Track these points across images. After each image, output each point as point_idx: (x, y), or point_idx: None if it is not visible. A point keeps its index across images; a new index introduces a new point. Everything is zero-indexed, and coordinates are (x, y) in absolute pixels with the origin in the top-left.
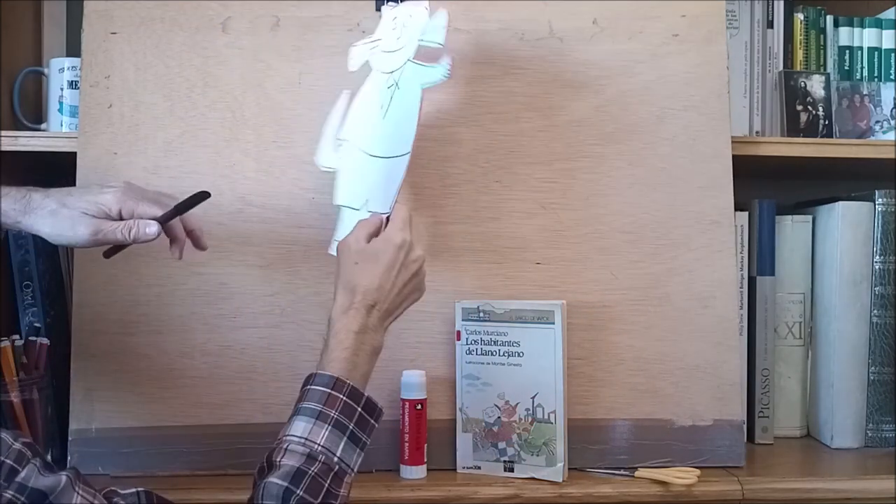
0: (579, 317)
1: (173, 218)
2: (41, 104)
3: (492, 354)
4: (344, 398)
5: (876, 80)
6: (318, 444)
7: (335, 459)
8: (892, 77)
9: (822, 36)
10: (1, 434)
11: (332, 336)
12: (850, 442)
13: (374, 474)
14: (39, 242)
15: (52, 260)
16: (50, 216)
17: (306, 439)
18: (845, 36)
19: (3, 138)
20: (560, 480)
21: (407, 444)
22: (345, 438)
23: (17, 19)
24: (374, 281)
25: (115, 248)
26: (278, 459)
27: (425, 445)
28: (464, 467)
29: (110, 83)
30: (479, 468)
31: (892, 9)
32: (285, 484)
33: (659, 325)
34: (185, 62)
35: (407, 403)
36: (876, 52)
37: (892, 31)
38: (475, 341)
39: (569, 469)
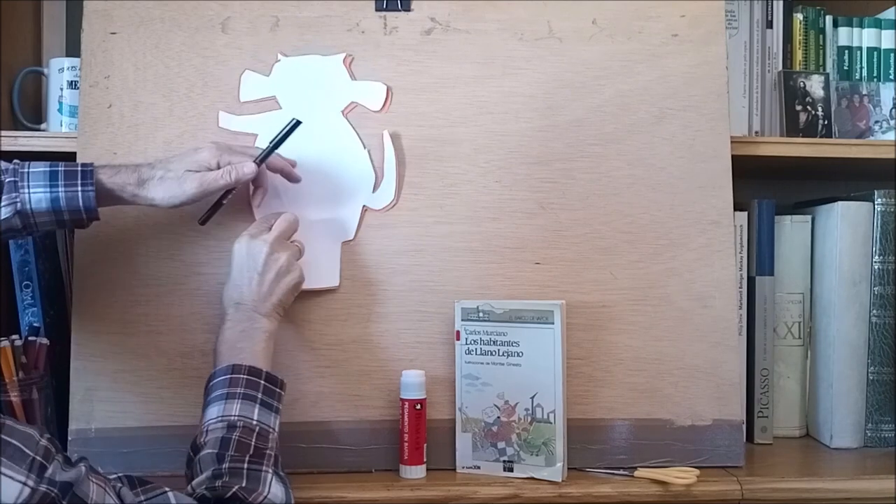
0: (579, 317)
1: (270, 154)
2: (41, 104)
3: (491, 354)
4: (245, 376)
5: (875, 80)
6: (234, 415)
7: (254, 422)
8: (892, 77)
9: (821, 36)
10: (28, 430)
11: (218, 333)
12: (849, 442)
13: (374, 474)
14: (39, 242)
15: (52, 260)
16: (160, 183)
17: (221, 416)
18: (845, 36)
19: (2, 138)
20: (559, 480)
21: (406, 444)
22: (257, 406)
23: (17, 19)
24: (239, 284)
25: (210, 213)
26: (202, 440)
27: (425, 445)
28: (463, 467)
29: (110, 83)
30: (479, 468)
31: (892, 9)
32: (215, 450)
33: (658, 325)
34: (185, 62)
35: (406, 403)
36: (875, 52)
37: (892, 31)
38: (475, 341)
39: (568, 469)
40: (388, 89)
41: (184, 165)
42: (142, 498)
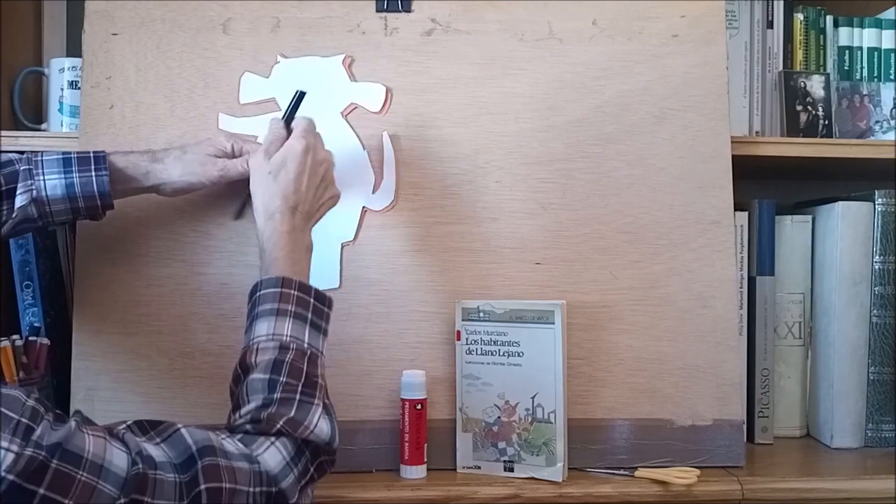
0: (579, 317)
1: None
2: (41, 104)
3: (492, 354)
4: (296, 293)
5: (876, 80)
6: (286, 335)
7: (305, 345)
8: (892, 77)
9: (821, 36)
10: (13, 392)
11: (266, 241)
12: (849, 442)
13: (374, 474)
14: (40, 242)
15: (52, 260)
16: (178, 160)
17: (273, 335)
18: (845, 36)
19: (3, 138)
20: (560, 480)
21: (407, 444)
22: (307, 326)
23: (17, 19)
24: (290, 186)
25: (242, 207)
26: (253, 359)
27: (425, 445)
28: (464, 467)
29: (111, 84)
30: (479, 468)
31: (892, 9)
32: (267, 376)
33: (659, 325)
34: (186, 63)
35: (407, 403)
36: (876, 53)
37: (892, 31)
38: (475, 341)
39: (568, 469)
40: (388, 91)
41: (202, 149)
42: (157, 440)
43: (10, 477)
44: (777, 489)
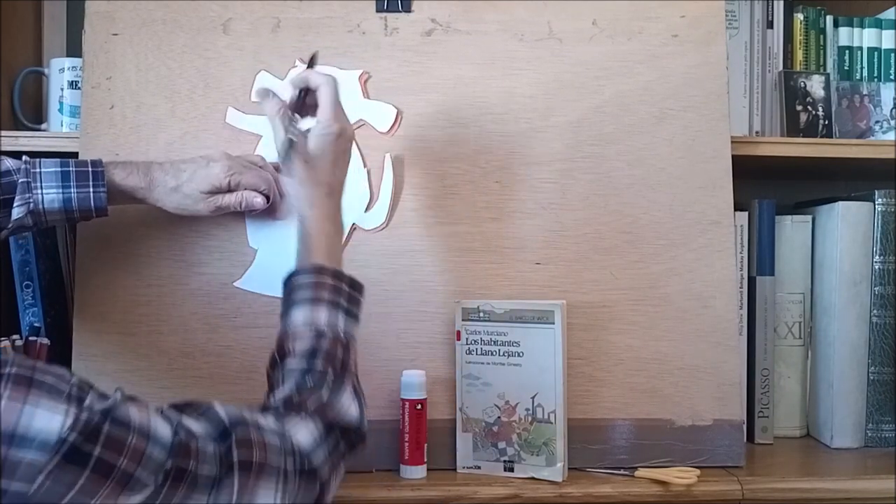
0: (579, 317)
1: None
2: (41, 104)
3: (492, 354)
4: (331, 281)
5: (876, 80)
6: (323, 324)
7: (341, 333)
8: (892, 77)
9: (821, 36)
10: (60, 370)
11: (311, 225)
12: (849, 442)
13: (374, 474)
14: (39, 242)
15: (52, 260)
16: (172, 193)
17: (309, 323)
18: (845, 36)
19: (3, 138)
20: (560, 480)
21: (407, 444)
22: (341, 314)
23: (17, 19)
24: (326, 173)
25: (287, 152)
26: (291, 346)
27: (425, 445)
28: (464, 467)
29: (112, 84)
30: (479, 468)
31: (892, 9)
32: (304, 361)
33: (659, 325)
34: (187, 63)
35: (407, 403)
36: (876, 53)
37: (892, 31)
38: (475, 341)
39: (569, 469)
40: (399, 113)
41: (196, 185)
42: (194, 416)
43: (72, 437)
44: (777, 489)
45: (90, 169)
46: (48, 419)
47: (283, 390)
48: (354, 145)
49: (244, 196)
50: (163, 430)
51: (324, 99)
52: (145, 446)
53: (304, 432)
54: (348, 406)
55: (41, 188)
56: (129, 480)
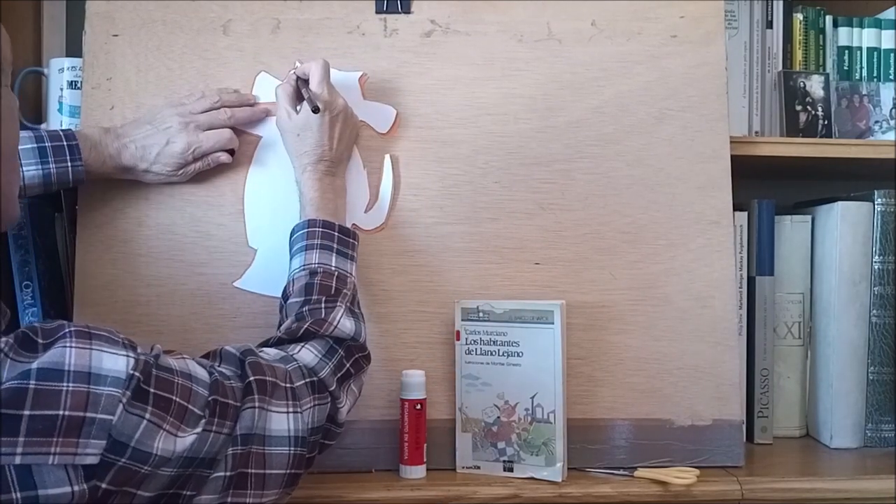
0: (578, 317)
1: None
2: (41, 104)
3: (491, 354)
4: (320, 229)
5: (875, 80)
6: (314, 263)
7: (332, 267)
8: (892, 77)
9: (821, 36)
10: (108, 327)
11: (302, 189)
12: (849, 442)
13: (374, 474)
14: (39, 242)
15: (52, 260)
16: (145, 174)
17: (303, 266)
18: (844, 36)
19: None
20: (559, 480)
21: (406, 444)
22: (333, 253)
23: (17, 19)
24: (315, 144)
25: (312, 103)
26: (290, 289)
27: (425, 445)
28: (463, 467)
29: (112, 85)
30: (479, 468)
31: (892, 9)
32: (301, 297)
33: (658, 325)
34: (187, 64)
35: (406, 403)
36: (875, 53)
37: (892, 31)
38: (475, 341)
39: (568, 469)
40: (398, 114)
41: (163, 165)
42: (217, 361)
43: (136, 375)
44: (776, 489)
45: (65, 143)
46: (114, 360)
47: (286, 324)
48: (355, 146)
49: (210, 160)
50: (201, 372)
51: (314, 76)
52: (191, 385)
53: (306, 353)
54: (340, 320)
55: (21, 166)
56: (185, 413)
